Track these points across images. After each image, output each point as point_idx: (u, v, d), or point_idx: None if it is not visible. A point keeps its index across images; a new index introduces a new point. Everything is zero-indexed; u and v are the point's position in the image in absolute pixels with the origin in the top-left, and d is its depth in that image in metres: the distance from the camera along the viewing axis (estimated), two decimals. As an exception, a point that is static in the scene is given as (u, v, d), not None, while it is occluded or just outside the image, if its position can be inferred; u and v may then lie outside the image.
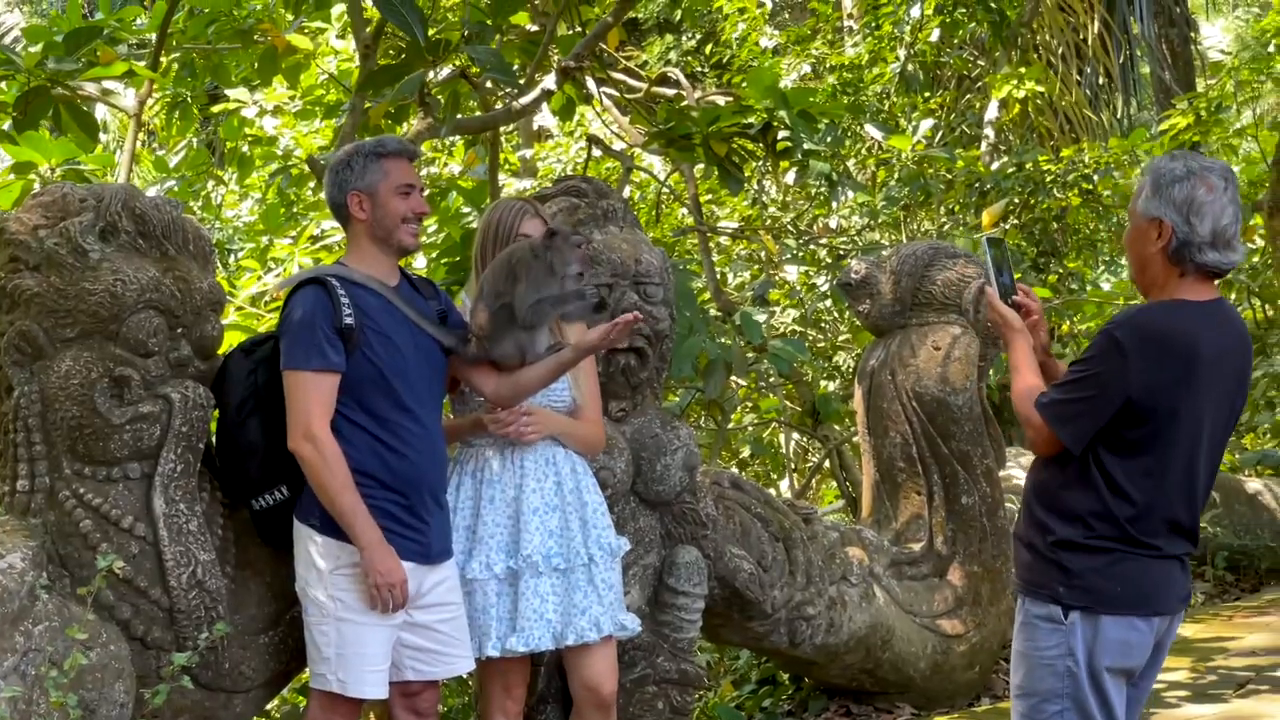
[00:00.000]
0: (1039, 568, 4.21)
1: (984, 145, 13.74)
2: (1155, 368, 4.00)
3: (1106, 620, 4.10)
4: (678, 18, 17.45)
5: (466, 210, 8.90)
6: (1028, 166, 11.91)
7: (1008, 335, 4.39)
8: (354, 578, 4.62)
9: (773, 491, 8.91)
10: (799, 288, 11.61)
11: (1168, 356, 4.01)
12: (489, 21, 7.34)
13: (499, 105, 8.81)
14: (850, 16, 14.95)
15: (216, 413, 4.86)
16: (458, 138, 11.05)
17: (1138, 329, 4.04)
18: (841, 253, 11.56)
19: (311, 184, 10.29)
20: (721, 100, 9.52)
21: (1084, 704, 4.13)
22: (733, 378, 8.34)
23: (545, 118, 13.25)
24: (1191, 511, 4.17)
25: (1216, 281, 4.20)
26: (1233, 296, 14.18)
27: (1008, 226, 11.73)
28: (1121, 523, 4.07)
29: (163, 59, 9.01)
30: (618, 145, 10.78)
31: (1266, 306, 14.46)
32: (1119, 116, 16.98)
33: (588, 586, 5.01)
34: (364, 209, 4.80)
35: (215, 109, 11.63)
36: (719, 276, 10.95)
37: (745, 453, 12.23)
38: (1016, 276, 4.56)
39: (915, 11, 13.08)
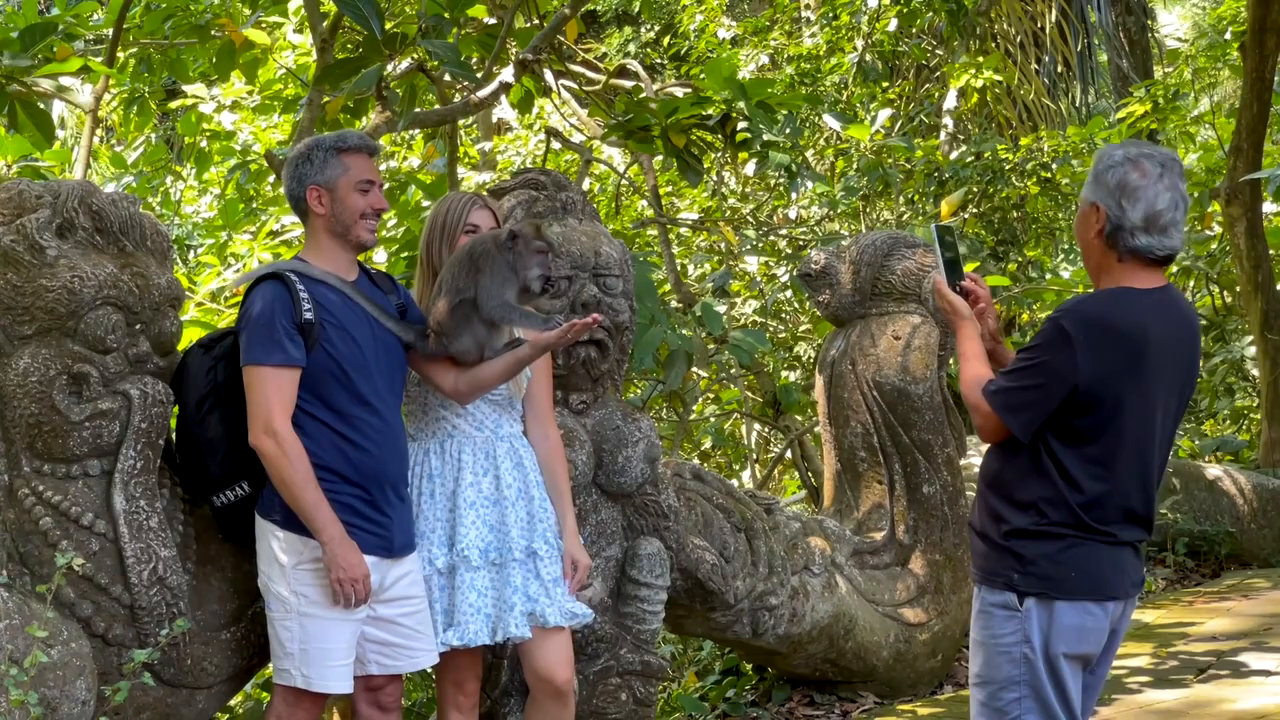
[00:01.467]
0: (993, 556, 4.21)
1: (942, 134, 13.81)
2: (1102, 356, 3.99)
3: (1061, 606, 4.10)
4: (636, 10, 17.47)
5: (426, 204, 8.88)
6: (986, 155, 11.96)
7: (955, 322, 4.38)
8: (317, 573, 4.61)
9: (734, 482, 8.94)
10: (759, 279, 11.63)
11: (1114, 345, 4.00)
12: (446, 14, 7.32)
13: (457, 98, 8.80)
14: (808, 7, 14.99)
15: (176, 409, 4.84)
16: (416, 131, 11.03)
17: (1084, 317, 4.04)
18: (801, 243, 11.59)
19: (270, 179, 10.26)
20: (680, 92, 9.51)
21: (1041, 691, 4.14)
22: (694, 369, 8.35)
23: (504, 110, 13.22)
24: (1147, 499, 4.17)
25: (1170, 269, 4.20)
26: (1191, 284, 14.27)
27: (967, 215, 11.77)
28: (1075, 508, 4.07)
29: (119, 54, 8.98)
30: (576, 138, 10.76)
31: (1224, 293, 14.53)
32: (1077, 105, 17.09)
33: (531, 580, 4.98)
34: (323, 204, 4.78)
35: (173, 104, 11.58)
36: (679, 268, 10.97)
37: (707, 444, 12.25)
38: (970, 267, 4.55)
39: (872, 1, 13.10)
